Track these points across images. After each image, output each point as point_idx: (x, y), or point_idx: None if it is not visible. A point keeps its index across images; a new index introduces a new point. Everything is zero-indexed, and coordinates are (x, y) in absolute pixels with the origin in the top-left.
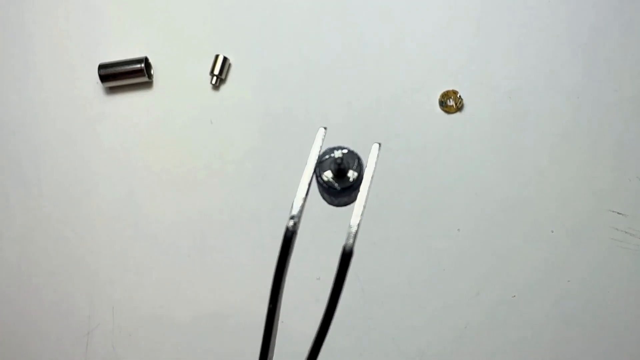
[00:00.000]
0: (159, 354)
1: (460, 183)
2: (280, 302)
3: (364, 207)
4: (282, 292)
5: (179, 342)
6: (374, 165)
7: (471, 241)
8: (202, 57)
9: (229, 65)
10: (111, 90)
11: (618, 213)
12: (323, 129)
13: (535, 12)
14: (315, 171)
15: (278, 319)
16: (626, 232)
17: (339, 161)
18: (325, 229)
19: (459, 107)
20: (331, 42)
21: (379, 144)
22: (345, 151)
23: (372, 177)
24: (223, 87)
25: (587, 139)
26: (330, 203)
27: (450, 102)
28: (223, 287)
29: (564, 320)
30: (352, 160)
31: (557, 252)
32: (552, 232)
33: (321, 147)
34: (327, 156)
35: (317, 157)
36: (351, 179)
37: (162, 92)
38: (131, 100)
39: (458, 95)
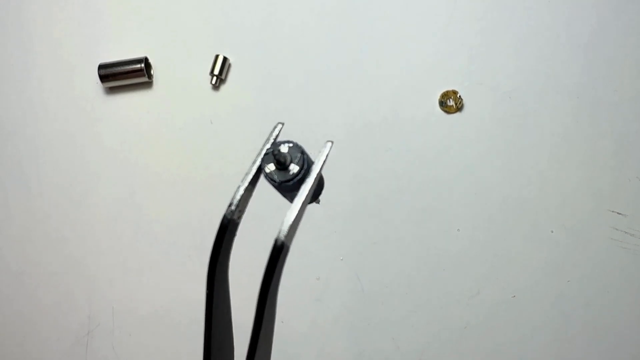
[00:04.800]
0: (159, 354)
1: (460, 183)
2: (226, 288)
3: (304, 202)
4: (226, 278)
5: (179, 342)
6: (321, 163)
7: (471, 241)
8: (202, 57)
9: (229, 65)
10: (111, 90)
11: (618, 213)
12: (280, 125)
13: (535, 12)
14: (261, 164)
15: (225, 304)
16: (626, 232)
17: (275, 152)
18: (325, 229)
19: (459, 107)
20: (331, 42)
21: (332, 142)
22: (290, 145)
23: (317, 173)
24: (223, 87)
25: (587, 139)
26: (285, 198)
27: (450, 102)
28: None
29: (564, 320)
30: (296, 154)
31: (557, 252)
32: (552, 232)
33: (275, 139)
34: (272, 149)
35: (264, 150)
36: (291, 173)
37: (162, 92)
38: (131, 100)
39: (458, 95)
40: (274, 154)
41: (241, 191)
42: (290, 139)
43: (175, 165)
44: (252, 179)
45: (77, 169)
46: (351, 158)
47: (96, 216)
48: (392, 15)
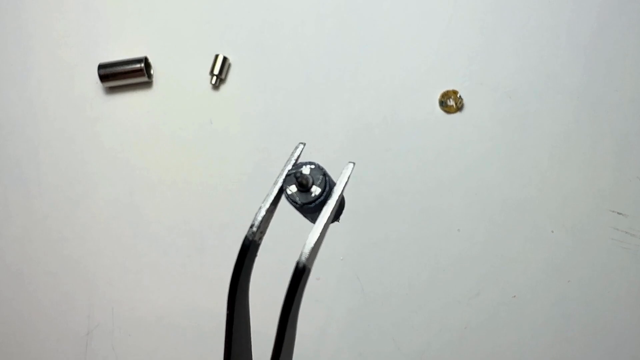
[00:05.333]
0: (158, 354)
1: (460, 183)
2: (246, 309)
3: (326, 224)
4: (247, 299)
5: (179, 342)
6: (343, 185)
7: (471, 241)
8: (202, 57)
9: (229, 65)
10: (111, 90)
11: (618, 213)
12: (302, 145)
13: (536, 12)
14: (282, 185)
15: (245, 325)
16: (626, 233)
17: (297, 175)
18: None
19: (459, 107)
20: (331, 42)
21: (354, 163)
22: (312, 167)
23: (339, 195)
24: (223, 87)
25: (588, 139)
26: (306, 219)
27: (450, 102)
28: (223, 287)
29: (564, 321)
30: (318, 176)
31: (557, 252)
32: (553, 232)
33: (296, 160)
34: (294, 170)
35: (286, 171)
36: (313, 195)
37: (162, 92)
38: (131, 100)
39: (458, 95)
40: (295, 176)
41: (263, 212)
42: (313, 160)
43: (174, 166)
44: (273, 200)
45: (77, 168)
46: (351, 158)
47: (96, 216)
48: (392, 15)
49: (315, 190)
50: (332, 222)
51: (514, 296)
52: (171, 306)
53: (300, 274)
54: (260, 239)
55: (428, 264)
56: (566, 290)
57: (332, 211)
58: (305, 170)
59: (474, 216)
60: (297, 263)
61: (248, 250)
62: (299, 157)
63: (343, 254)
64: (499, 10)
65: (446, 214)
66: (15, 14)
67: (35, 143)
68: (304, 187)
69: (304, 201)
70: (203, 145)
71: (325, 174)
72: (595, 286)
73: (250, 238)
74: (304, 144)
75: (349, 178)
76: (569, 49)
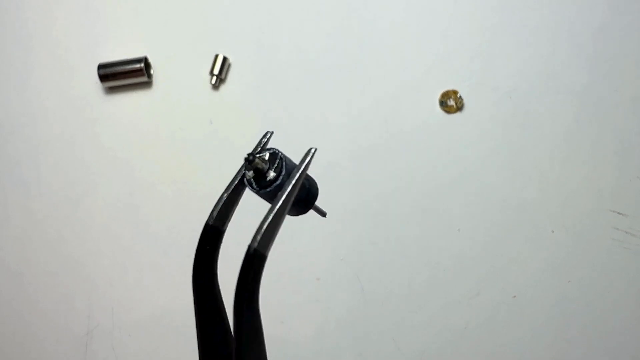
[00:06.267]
0: (158, 354)
1: (460, 183)
2: (214, 293)
3: (281, 208)
4: (214, 283)
5: (179, 342)
6: (301, 169)
7: (472, 241)
8: (202, 57)
9: (229, 65)
10: (111, 90)
11: (618, 213)
12: (270, 133)
13: (536, 13)
14: (243, 170)
15: (216, 309)
16: (627, 232)
17: (251, 159)
18: (325, 229)
19: (459, 107)
20: (331, 42)
21: (315, 149)
22: (271, 152)
23: (296, 179)
24: (223, 87)
25: (588, 139)
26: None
27: (450, 102)
28: (223, 287)
29: (564, 321)
30: (274, 161)
31: (557, 253)
32: (553, 232)
33: (262, 147)
34: (249, 156)
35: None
36: (268, 179)
37: (162, 92)
38: (131, 100)
39: (458, 95)
40: (249, 161)
41: (224, 198)
42: (273, 147)
43: (174, 165)
44: (235, 187)
45: (77, 168)
46: (351, 158)
47: (95, 216)
48: (392, 15)
49: (271, 174)
50: (303, 212)
51: (514, 296)
52: (171, 306)
53: (251, 259)
54: (224, 225)
55: (428, 264)
56: (566, 290)
57: (288, 195)
58: (264, 156)
59: (474, 216)
60: (248, 247)
61: (207, 235)
62: (264, 144)
63: (343, 254)
64: (498, 10)
65: (446, 214)
66: (16, 14)
67: (35, 143)
68: (259, 172)
69: (260, 186)
70: (203, 145)
71: (282, 159)
72: (596, 286)
73: (210, 223)
74: (272, 132)
75: (308, 162)
76: (569, 49)
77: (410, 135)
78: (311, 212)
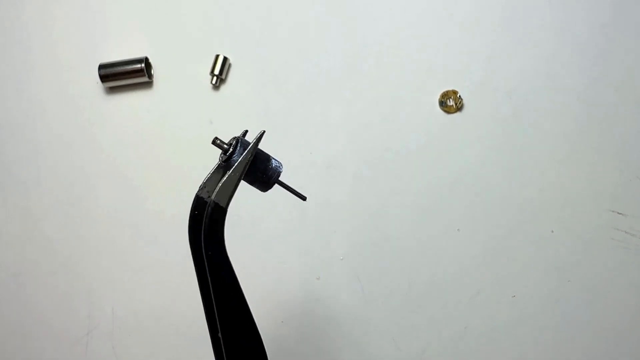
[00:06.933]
0: (158, 354)
1: (460, 183)
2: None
3: (236, 170)
4: (224, 261)
5: (179, 342)
6: (252, 144)
7: (471, 241)
8: (202, 57)
9: (229, 65)
10: (111, 90)
11: (618, 213)
12: (262, 131)
13: (536, 13)
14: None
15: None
16: (627, 232)
17: (217, 142)
18: (325, 229)
19: (459, 107)
20: (331, 42)
21: (264, 131)
22: (236, 136)
23: (248, 150)
24: (223, 87)
25: (588, 139)
26: (257, 189)
27: (450, 102)
28: None
29: (564, 320)
30: (236, 145)
31: (557, 252)
32: (553, 232)
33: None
34: (215, 140)
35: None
36: (228, 153)
37: (162, 92)
38: (131, 100)
39: (458, 95)
40: (213, 142)
41: (209, 173)
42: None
43: (175, 165)
44: (218, 167)
45: (77, 168)
46: (351, 158)
47: (95, 216)
48: (392, 16)
49: (231, 151)
50: (266, 184)
51: (514, 296)
52: (171, 306)
53: (211, 208)
54: (209, 196)
55: (428, 263)
56: (566, 290)
57: (241, 162)
58: (231, 141)
59: (473, 216)
60: (209, 200)
61: (197, 203)
62: (244, 136)
63: (343, 254)
64: (499, 10)
65: (446, 214)
66: (16, 15)
67: (35, 143)
68: (223, 150)
69: (223, 159)
70: (203, 145)
71: (238, 140)
72: (595, 286)
73: (199, 194)
74: (264, 131)
75: (258, 139)
76: (569, 49)
77: (410, 135)
78: (301, 202)
